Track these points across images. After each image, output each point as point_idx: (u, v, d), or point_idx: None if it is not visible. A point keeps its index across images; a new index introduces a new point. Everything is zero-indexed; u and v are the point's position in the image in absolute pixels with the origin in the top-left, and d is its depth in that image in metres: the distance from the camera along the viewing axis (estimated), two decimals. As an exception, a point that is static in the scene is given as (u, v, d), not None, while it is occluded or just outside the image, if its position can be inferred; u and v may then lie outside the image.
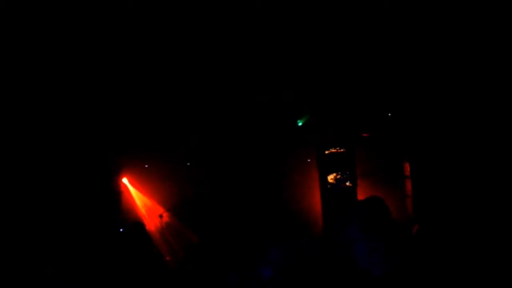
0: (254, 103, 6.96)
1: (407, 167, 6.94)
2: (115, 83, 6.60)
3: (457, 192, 6.66)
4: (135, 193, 8.26)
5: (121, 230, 6.97)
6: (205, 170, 7.64)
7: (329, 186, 6.66)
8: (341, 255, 2.42)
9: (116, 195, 7.81)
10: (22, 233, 6.20)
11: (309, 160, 7.06)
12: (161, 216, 7.79)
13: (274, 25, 5.78)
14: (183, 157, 7.87)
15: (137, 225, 6.29)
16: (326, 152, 6.73)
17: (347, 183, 6.60)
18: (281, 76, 6.63)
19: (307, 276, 2.98)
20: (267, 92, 6.84)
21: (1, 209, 6.22)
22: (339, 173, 6.64)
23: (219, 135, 7.33)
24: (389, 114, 6.70)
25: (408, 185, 6.93)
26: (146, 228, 7.63)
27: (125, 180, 8.16)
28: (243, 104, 7.04)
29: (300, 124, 7.07)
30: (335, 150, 6.69)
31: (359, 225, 2.35)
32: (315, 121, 6.84)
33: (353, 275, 2.41)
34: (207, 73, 6.77)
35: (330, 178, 6.65)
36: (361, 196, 6.54)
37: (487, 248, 6.10)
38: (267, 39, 6.31)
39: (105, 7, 5.26)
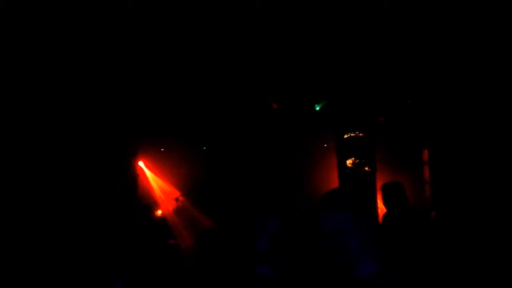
0: (272, 87, 6.90)
1: (426, 153, 6.86)
2: (134, 69, 6.61)
3: (475, 180, 6.58)
4: (151, 176, 8.29)
5: None
6: (221, 155, 7.63)
7: (347, 170, 6.59)
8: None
9: (133, 178, 7.83)
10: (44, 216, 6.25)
11: (326, 145, 7.01)
12: (177, 199, 7.82)
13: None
14: (199, 141, 7.86)
15: (145, 208, 6.34)
16: (345, 136, 6.65)
17: (366, 168, 6.53)
18: (299, 61, 6.57)
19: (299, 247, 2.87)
20: (285, 77, 6.79)
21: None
22: (358, 157, 6.56)
23: (236, 120, 7.29)
24: (409, 101, 6.61)
25: (427, 171, 6.86)
26: (156, 211, 7.73)
27: (141, 163, 8.20)
28: (261, 88, 6.98)
29: (318, 108, 7.00)
30: (354, 135, 6.61)
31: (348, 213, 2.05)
32: (333, 106, 6.76)
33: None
34: (224, 60, 6.75)
35: (349, 162, 6.58)
36: (379, 181, 6.47)
37: (502, 240, 6.05)
38: (286, 27, 6.27)
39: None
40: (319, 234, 2.06)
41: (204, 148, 8.13)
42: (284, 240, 2.79)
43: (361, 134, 6.57)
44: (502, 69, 6.24)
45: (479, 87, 6.45)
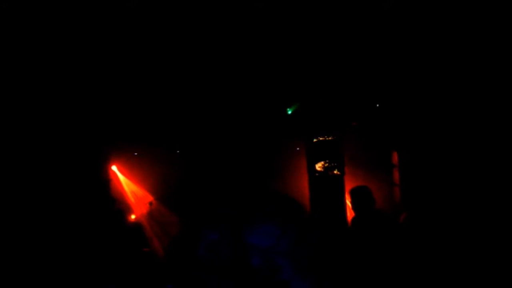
0: (244, 92, 6.96)
1: (395, 156, 6.99)
2: (103, 73, 6.60)
3: (444, 182, 6.73)
4: (124, 181, 8.25)
5: None
6: (195, 158, 7.64)
7: (317, 174, 6.69)
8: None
9: (105, 183, 7.78)
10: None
11: (298, 148, 7.09)
12: (150, 203, 7.80)
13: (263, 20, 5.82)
14: (173, 144, 7.86)
15: (118, 213, 6.33)
16: (315, 140, 6.75)
17: (335, 171, 6.64)
18: (271, 65, 6.65)
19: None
20: (258, 80, 6.85)
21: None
22: (327, 161, 6.67)
23: (209, 122, 7.32)
24: (377, 105, 6.75)
25: (396, 174, 6.99)
26: (129, 216, 7.71)
27: (114, 168, 8.15)
28: (233, 92, 7.03)
29: (290, 112, 7.08)
30: (323, 138, 6.71)
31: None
32: (304, 110, 6.86)
33: None
34: (195, 63, 6.79)
35: (318, 166, 6.69)
36: (350, 184, 6.59)
37: (474, 240, 6.20)
38: (257, 33, 6.34)
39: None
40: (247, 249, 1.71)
41: (178, 151, 8.13)
42: (222, 249, 2.54)
43: (330, 138, 6.68)
44: (468, 73, 6.41)
45: (446, 89, 6.60)
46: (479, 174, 6.58)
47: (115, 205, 7.27)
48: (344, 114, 6.82)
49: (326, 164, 6.62)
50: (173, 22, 5.82)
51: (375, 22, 5.85)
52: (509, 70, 6.05)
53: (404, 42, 6.15)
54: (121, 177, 8.21)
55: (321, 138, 6.65)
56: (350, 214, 6.33)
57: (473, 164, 6.61)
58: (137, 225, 7.22)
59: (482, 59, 6.08)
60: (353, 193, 5.13)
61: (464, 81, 6.38)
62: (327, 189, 6.64)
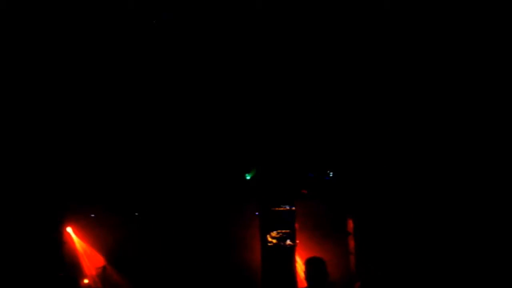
0: (202, 157, 7.03)
1: (351, 224, 7.08)
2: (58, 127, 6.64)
3: (399, 250, 6.83)
4: (79, 243, 8.07)
5: None
6: (152, 223, 7.56)
7: (269, 244, 6.72)
8: None
9: (59, 244, 7.59)
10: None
11: (252, 216, 7.10)
12: (104, 268, 7.62)
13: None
14: (131, 208, 7.77)
15: (70, 280, 6.15)
16: (269, 209, 6.83)
17: (288, 242, 6.69)
18: (230, 131, 6.78)
19: None
20: (216, 145, 6.95)
21: None
22: (280, 231, 6.72)
23: (168, 187, 7.31)
24: (331, 174, 6.90)
25: (352, 242, 7.05)
26: (82, 281, 7.50)
27: (69, 229, 7.98)
28: (192, 156, 7.09)
29: (248, 178, 7.15)
30: (277, 208, 6.81)
31: None
32: (261, 177, 6.95)
33: None
34: (155, 124, 6.88)
35: (271, 236, 6.73)
36: (303, 254, 6.61)
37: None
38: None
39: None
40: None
41: (136, 214, 8.04)
42: None
43: (284, 207, 6.77)
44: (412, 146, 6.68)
45: (398, 159, 6.82)
46: (433, 243, 6.72)
47: (65, 270, 7.07)
48: (298, 183, 6.94)
49: (279, 235, 6.67)
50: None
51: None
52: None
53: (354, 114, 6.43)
54: (75, 239, 8.04)
55: (276, 208, 6.74)
56: (300, 285, 6.34)
57: (425, 231, 6.77)
58: None
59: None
60: (308, 263, 5.15)
61: (412, 153, 6.63)
62: (278, 260, 6.65)
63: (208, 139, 6.90)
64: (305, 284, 5.19)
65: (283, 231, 6.73)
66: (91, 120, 6.76)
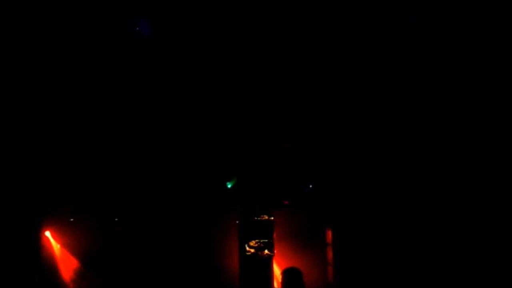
0: (184, 164, 7.06)
1: (329, 235, 7.13)
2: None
3: (377, 261, 6.89)
4: (57, 249, 7.99)
5: None
6: (132, 228, 7.52)
7: (247, 253, 6.76)
8: None
9: (37, 249, 7.52)
10: None
11: (233, 224, 7.11)
12: (83, 275, 7.54)
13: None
14: (110, 212, 7.72)
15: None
16: (249, 218, 6.87)
17: (265, 252, 6.73)
18: (213, 140, 6.84)
19: None
20: (199, 153, 6.99)
21: None
22: (259, 241, 6.77)
23: (148, 193, 7.30)
24: (310, 185, 6.97)
25: (330, 253, 7.09)
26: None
27: (47, 234, 7.90)
28: (174, 162, 7.11)
29: (229, 186, 7.17)
30: (256, 218, 6.85)
31: None
32: (241, 186, 6.99)
33: None
34: (136, 129, 6.91)
35: (249, 245, 6.77)
36: (281, 264, 6.64)
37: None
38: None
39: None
40: None
41: (116, 219, 7.99)
42: None
43: (263, 217, 6.82)
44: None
45: (379, 172, 6.90)
46: (414, 251, 6.79)
47: (42, 275, 7.01)
48: (277, 193, 6.99)
49: (257, 244, 6.70)
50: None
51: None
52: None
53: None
54: (54, 243, 7.95)
55: (254, 217, 6.78)
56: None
57: (406, 242, 6.84)
58: None
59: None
60: (284, 274, 5.20)
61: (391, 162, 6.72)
62: (256, 269, 6.69)
63: (190, 146, 6.94)
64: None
65: (262, 240, 6.77)
66: (70, 122, 6.78)
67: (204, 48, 6.33)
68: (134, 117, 6.72)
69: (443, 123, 6.48)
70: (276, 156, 6.82)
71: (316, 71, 6.39)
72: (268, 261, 6.77)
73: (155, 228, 7.35)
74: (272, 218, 6.87)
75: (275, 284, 6.82)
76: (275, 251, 6.82)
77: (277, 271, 6.83)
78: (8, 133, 6.54)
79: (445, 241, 6.74)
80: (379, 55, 6.25)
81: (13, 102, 6.44)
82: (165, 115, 6.80)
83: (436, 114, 6.50)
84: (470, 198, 6.53)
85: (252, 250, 6.73)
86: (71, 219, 7.98)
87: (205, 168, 6.98)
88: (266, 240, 6.74)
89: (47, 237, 7.88)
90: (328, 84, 6.48)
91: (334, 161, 6.86)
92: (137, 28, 5.83)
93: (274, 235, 6.87)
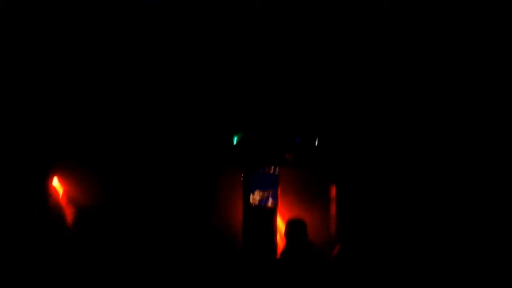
0: (189, 118, 7.11)
1: (333, 189, 7.21)
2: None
3: (379, 216, 7.00)
4: (65, 195, 8.07)
5: None
6: (138, 182, 7.58)
7: (251, 204, 6.88)
8: None
9: (44, 196, 7.65)
10: None
11: (237, 178, 7.16)
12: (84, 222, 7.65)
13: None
14: (116, 164, 7.77)
15: None
16: (254, 171, 6.95)
17: (269, 203, 6.85)
18: (218, 95, 6.87)
19: None
20: (204, 108, 7.04)
21: None
22: (262, 192, 6.87)
23: (154, 148, 7.36)
24: (317, 139, 7.01)
25: (333, 207, 7.19)
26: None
27: (55, 181, 7.98)
28: (180, 118, 7.16)
29: (235, 139, 7.21)
30: (261, 170, 6.92)
31: None
32: (247, 140, 7.03)
33: None
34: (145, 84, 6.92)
35: (253, 197, 6.88)
36: (285, 217, 6.74)
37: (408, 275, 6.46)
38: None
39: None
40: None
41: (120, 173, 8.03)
42: None
43: (267, 169, 6.90)
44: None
45: (386, 124, 6.93)
46: (416, 207, 6.89)
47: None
48: (283, 147, 7.04)
49: (261, 196, 6.80)
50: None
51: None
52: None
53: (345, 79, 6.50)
54: (60, 191, 8.04)
55: (259, 170, 6.85)
56: (280, 245, 6.49)
57: (410, 198, 6.93)
58: None
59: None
60: (288, 224, 5.30)
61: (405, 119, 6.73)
62: (260, 220, 6.80)
63: (196, 101, 6.98)
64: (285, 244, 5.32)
65: (266, 191, 6.87)
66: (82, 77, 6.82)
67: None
68: (143, 73, 6.75)
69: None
70: (282, 111, 6.84)
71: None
72: (271, 212, 6.87)
73: (159, 181, 7.41)
74: (277, 171, 6.95)
75: (278, 237, 6.94)
76: (279, 204, 6.92)
77: (280, 224, 6.93)
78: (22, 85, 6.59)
79: (448, 201, 6.82)
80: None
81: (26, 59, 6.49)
82: (173, 72, 6.83)
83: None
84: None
85: (256, 202, 6.84)
86: (79, 168, 8.06)
87: (212, 123, 7.02)
88: (271, 191, 6.84)
89: (54, 186, 7.99)
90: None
91: (339, 117, 6.88)
92: None
93: (279, 189, 6.96)
